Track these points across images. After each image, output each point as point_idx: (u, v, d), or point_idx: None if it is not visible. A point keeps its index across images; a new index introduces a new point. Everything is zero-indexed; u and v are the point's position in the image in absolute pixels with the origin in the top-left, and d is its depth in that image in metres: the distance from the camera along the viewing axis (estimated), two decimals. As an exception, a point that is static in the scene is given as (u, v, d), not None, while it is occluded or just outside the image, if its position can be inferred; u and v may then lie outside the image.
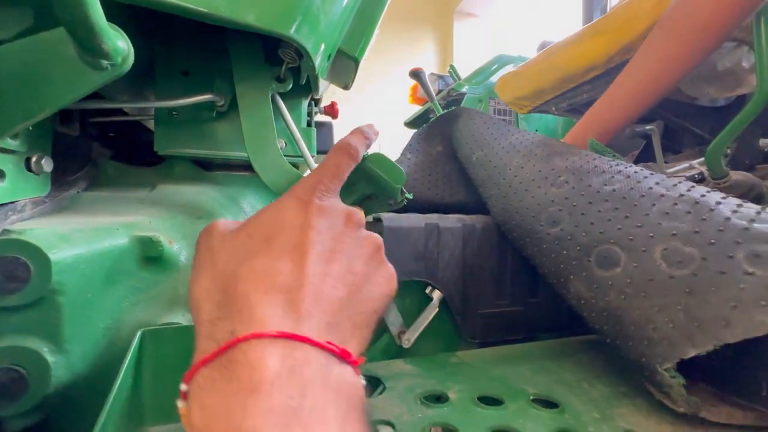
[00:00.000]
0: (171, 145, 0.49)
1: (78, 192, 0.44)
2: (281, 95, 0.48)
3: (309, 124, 0.58)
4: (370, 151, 0.32)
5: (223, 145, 0.50)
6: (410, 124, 1.69)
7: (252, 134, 0.43)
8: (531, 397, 0.38)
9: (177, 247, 0.39)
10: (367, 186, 0.33)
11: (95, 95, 0.46)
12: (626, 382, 0.42)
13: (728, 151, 0.80)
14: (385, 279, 0.27)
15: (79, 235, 0.33)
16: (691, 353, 0.31)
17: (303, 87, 0.53)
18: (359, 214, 0.28)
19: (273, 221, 0.25)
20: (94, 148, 0.49)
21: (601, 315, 0.39)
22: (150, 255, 0.36)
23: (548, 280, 0.48)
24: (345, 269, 0.24)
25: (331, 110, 0.64)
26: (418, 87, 1.76)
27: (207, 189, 0.49)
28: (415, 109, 1.70)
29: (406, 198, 0.32)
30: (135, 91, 0.49)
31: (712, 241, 0.33)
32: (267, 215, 0.26)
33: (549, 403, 0.38)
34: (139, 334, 0.33)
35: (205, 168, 0.55)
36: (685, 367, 0.33)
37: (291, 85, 0.44)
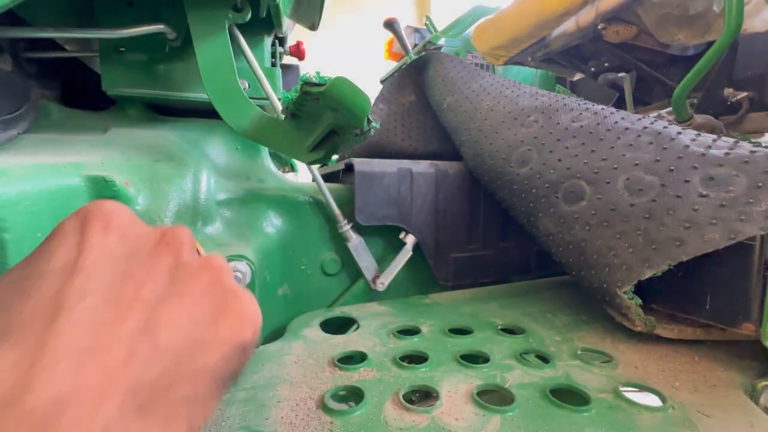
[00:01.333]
0: (120, 84, 0.45)
1: (18, 134, 0.40)
2: (241, 30, 0.45)
3: (274, 65, 0.54)
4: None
5: (179, 85, 0.47)
6: (386, 81, 1.64)
7: (209, 70, 0.40)
8: (499, 327, 0.40)
9: (134, 190, 0.37)
10: (331, 116, 0.31)
11: (25, 23, 0.41)
12: (586, 311, 0.44)
13: (694, 100, 0.82)
14: (236, 321, 0.17)
15: (22, 172, 0.30)
16: (648, 274, 0.33)
17: (265, 22, 0.49)
18: (183, 232, 0.18)
19: (38, 253, 0.15)
20: (32, 88, 0.44)
21: (567, 248, 0.41)
22: (104, 195, 0.34)
23: (519, 220, 0.49)
24: (150, 325, 0.14)
25: (297, 51, 0.60)
26: (394, 41, 1.68)
27: (165, 133, 0.46)
28: (392, 65, 1.64)
29: (373, 127, 0.31)
30: (72, 26, 0.44)
31: (672, 168, 0.34)
32: (38, 247, 0.16)
33: (515, 332, 0.39)
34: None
35: (163, 113, 0.51)
36: (642, 290, 0.35)
37: (249, 15, 0.40)
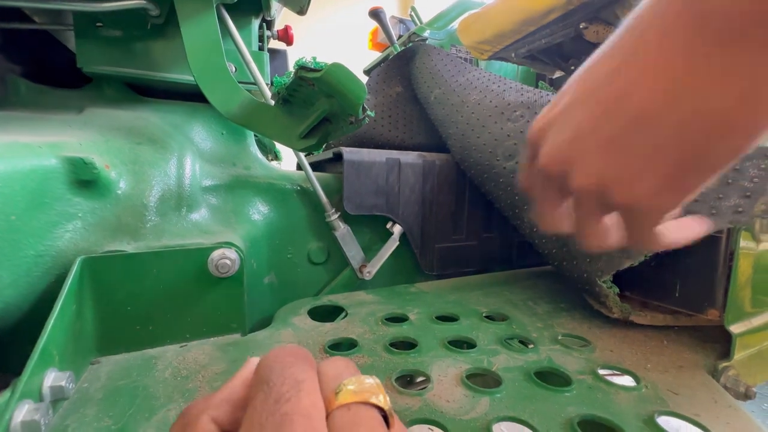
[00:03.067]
0: (97, 61, 0.42)
1: (-17, 110, 0.37)
2: (228, 11, 0.43)
3: (261, 49, 0.53)
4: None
5: (162, 65, 0.45)
6: (370, 72, 1.62)
7: (196, 50, 0.39)
8: (483, 314, 0.41)
9: (115, 174, 0.35)
10: (326, 103, 0.31)
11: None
12: (565, 299, 0.46)
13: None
14: None
15: (-9, 151, 0.28)
16: (626, 264, 0.35)
17: (253, 4, 0.48)
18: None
19: None
20: (-3, 61, 0.41)
21: (551, 240, 0.42)
22: (83, 178, 0.32)
23: (504, 212, 0.50)
24: None
25: (285, 35, 0.59)
26: (378, 31, 1.66)
27: (146, 115, 0.44)
28: (375, 55, 1.62)
29: (368, 116, 0.31)
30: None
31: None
32: None
33: (499, 319, 0.41)
34: (78, 261, 0.30)
35: (143, 94, 0.49)
36: (618, 280, 0.37)
37: (239, -4, 0.39)
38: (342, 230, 0.50)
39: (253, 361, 0.17)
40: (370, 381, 0.15)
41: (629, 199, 0.18)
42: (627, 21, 0.17)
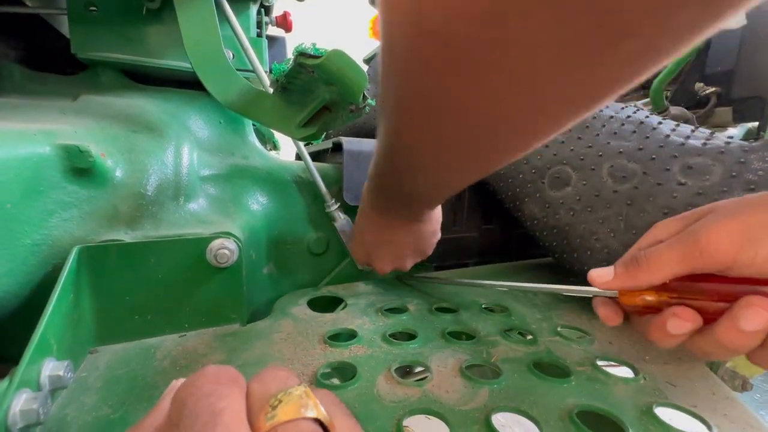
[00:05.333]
0: (92, 47, 0.41)
1: (-24, 96, 0.36)
2: (225, -5, 0.42)
3: (259, 36, 0.52)
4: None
5: (158, 51, 0.44)
6: (370, 61, 1.60)
7: (193, 36, 0.38)
8: (483, 306, 0.41)
9: (111, 162, 0.35)
10: (325, 91, 0.30)
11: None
12: (565, 292, 0.46)
13: (668, 94, 0.85)
14: None
15: (-16, 138, 0.28)
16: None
17: (251, -12, 0.47)
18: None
19: None
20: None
21: (552, 232, 0.42)
22: (78, 166, 0.32)
23: (505, 204, 0.50)
24: None
25: (284, 22, 0.57)
26: (378, 19, 1.64)
27: (143, 102, 0.43)
28: (376, 44, 1.60)
29: (369, 104, 0.30)
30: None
31: (653, 156, 0.36)
32: None
33: (498, 310, 0.41)
34: (75, 250, 0.30)
35: (139, 81, 0.48)
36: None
37: (236, -20, 0.38)
38: (341, 221, 0.49)
39: (176, 386, 0.15)
40: (299, 392, 0.14)
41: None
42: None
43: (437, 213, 0.42)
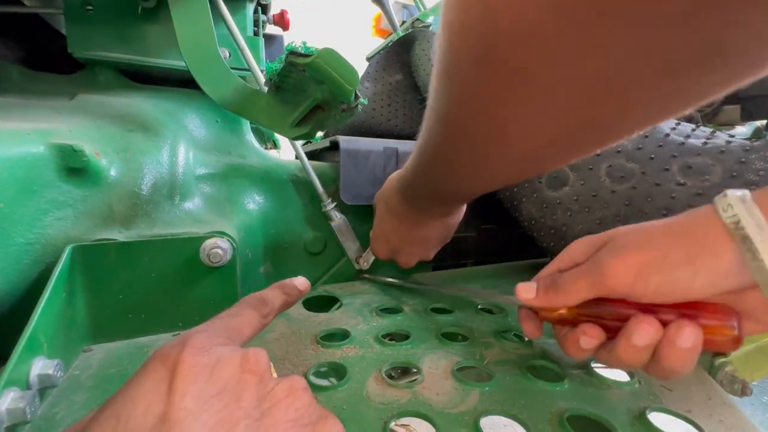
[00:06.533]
0: (88, 46, 0.41)
1: (-26, 96, 0.37)
2: (221, -6, 0.42)
3: (256, 34, 0.52)
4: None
5: (154, 50, 0.44)
6: (372, 59, 1.60)
7: (187, 36, 0.38)
8: (479, 307, 0.41)
9: (106, 161, 0.35)
10: (317, 89, 0.30)
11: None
12: (563, 293, 0.46)
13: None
14: None
15: (-22, 138, 0.28)
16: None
17: (247, -13, 0.47)
18: (261, 356, 0.18)
19: (124, 404, 0.15)
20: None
21: (549, 233, 0.42)
22: (72, 166, 0.32)
23: (504, 204, 0.49)
24: None
25: (281, 20, 0.57)
26: (381, 18, 1.64)
27: (139, 101, 0.43)
28: (379, 42, 1.59)
29: (361, 103, 0.30)
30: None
31: (652, 156, 0.35)
32: (120, 393, 0.15)
33: (494, 311, 0.41)
34: (68, 249, 0.30)
35: (136, 80, 0.48)
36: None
37: (231, -22, 0.38)
38: (338, 221, 0.49)
39: None
40: None
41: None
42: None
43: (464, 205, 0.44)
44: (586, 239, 0.27)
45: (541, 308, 0.27)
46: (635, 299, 0.23)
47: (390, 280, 0.49)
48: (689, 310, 0.22)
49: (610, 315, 0.24)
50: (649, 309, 0.23)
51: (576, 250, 0.27)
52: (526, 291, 0.28)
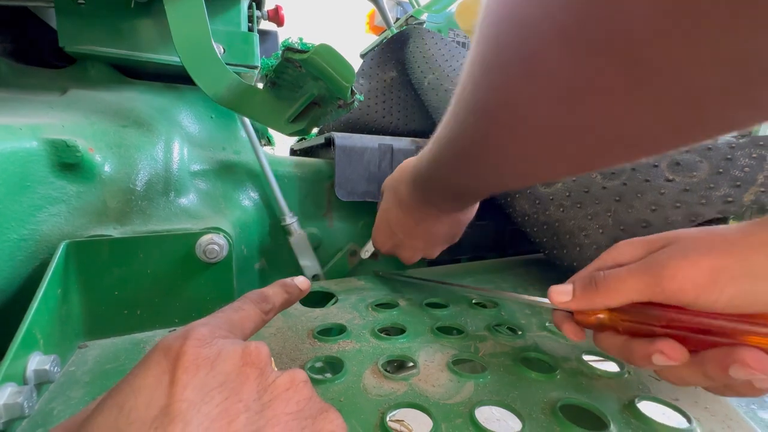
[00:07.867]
0: (80, 41, 0.41)
1: (-37, 90, 0.36)
2: (216, -11, 0.42)
3: (250, 30, 0.51)
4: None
5: (147, 45, 0.43)
6: (366, 56, 1.59)
7: (182, 31, 0.38)
8: (473, 301, 0.42)
9: (99, 157, 0.35)
10: (313, 86, 0.30)
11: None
12: (555, 287, 0.47)
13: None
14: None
15: (-31, 133, 0.28)
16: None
17: (241, -18, 0.47)
18: (262, 349, 0.18)
19: (126, 395, 0.15)
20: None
21: (542, 228, 0.42)
22: (66, 161, 0.32)
23: (497, 201, 0.50)
24: None
25: (276, 16, 0.57)
26: (375, 14, 1.63)
27: (132, 97, 0.43)
28: (373, 39, 1.59)
29: (357, 99, 0.30)
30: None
31: (642, 152, 0.36)
32: (122, 384, 0.15)
33: (488, 306, 0.41)
34: (62, 245, 0.30)
35: (129, 76, 0.48)
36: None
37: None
38: (297, 236, 0.48)
39: None
40: None
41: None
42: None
43: (477, 203, 0.41)
44: (638, 239, 0.24)
45: (577, 312, 0.24)
46: (698, 307, 0.20)
47: (406, 277, 0.47)
48: (759, 320, 0.19)
49: (659, 321, 0.21)
50: (706, 316, 0.20)
51: (623, 250, 0.24)
52: (561, 294, 0.25)
